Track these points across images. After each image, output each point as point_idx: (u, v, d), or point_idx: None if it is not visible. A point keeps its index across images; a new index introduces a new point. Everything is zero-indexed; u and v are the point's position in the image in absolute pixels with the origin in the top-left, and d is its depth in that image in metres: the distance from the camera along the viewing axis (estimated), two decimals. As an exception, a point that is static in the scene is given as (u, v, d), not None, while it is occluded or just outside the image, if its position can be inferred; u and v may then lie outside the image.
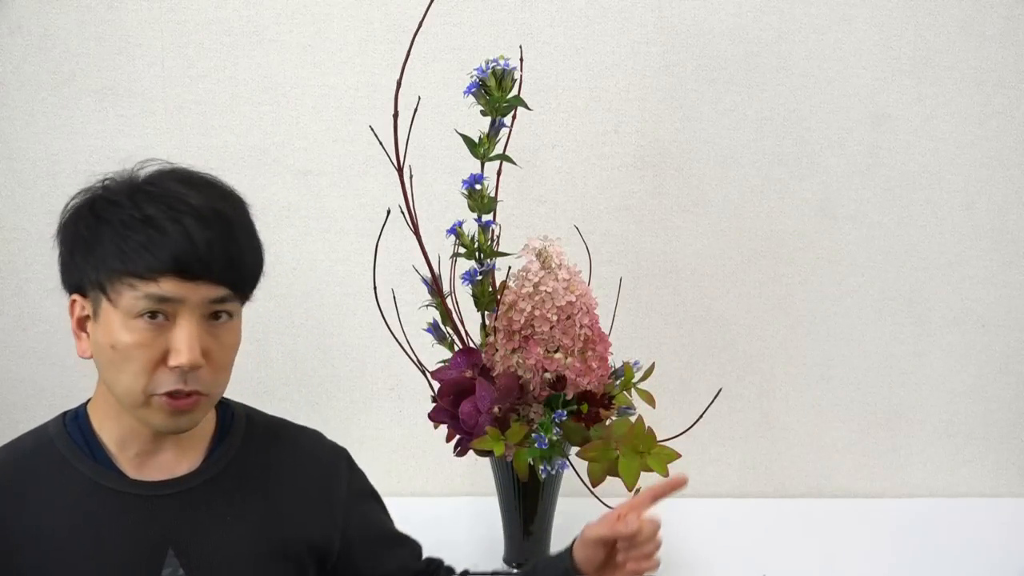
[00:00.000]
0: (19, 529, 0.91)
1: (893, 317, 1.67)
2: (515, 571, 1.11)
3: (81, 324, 0.92)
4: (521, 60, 1.19)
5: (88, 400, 0.99)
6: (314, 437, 1.09)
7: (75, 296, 0.92)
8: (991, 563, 1.48)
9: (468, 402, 1.17)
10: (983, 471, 1.72)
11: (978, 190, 1.64)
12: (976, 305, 1.67)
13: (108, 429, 0.95)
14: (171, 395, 0.89)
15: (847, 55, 1.59)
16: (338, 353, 1.66)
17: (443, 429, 1.22)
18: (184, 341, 0.87)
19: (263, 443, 1.03)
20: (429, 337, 1.28)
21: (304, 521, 1.01)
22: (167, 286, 0.86)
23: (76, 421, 0.97)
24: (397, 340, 1.25)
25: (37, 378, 1.65)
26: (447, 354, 1.26)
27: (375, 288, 1.24)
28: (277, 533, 0.99)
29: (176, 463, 0.97)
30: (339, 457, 1.08)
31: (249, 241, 0.93)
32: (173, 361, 0.87)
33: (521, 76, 1.19)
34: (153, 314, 0.87)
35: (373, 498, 1.11)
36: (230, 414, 1.04)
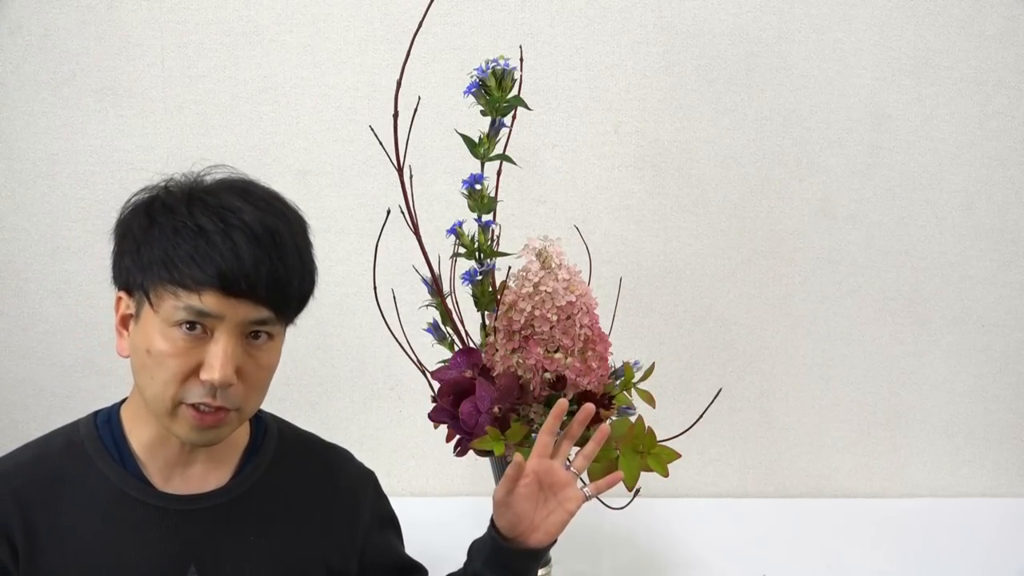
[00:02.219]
0: (44, 531, 0.90)
1: (893, 317, 1.67)
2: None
3: (124, 322, 0.91)
4: (521, 60, 1.19)
5: (123, 400, 0.98)
6: (344, 458, 1.08)
7: (121, 293, 0.91)
8: (991, 563, 1.48)
9: (468, 402, 1.17)
10: (983, 471, 1.72)
11: (978, 190, 1.64)
12: (976, 305, 1.67)
13: (138, 434, 0.94)
14: (197, 409, 0.88)
15: (847, 55, 1.59)
16: (338, 353, 1.66)
17: (443, 429, 1.22)
18: (218, 357, 0.86)
19: (293, 462, 1.02)
20: (429, 337, 1.28)
21: (326, 544, 1.01)
22: (209, 301, 0.85)
23: (108, 423, 0.96)
24: (397, 340, 1.25)
25: (37, 378, 1.65)
26: (447, 354, 1.26)
27: (375, 288, 1.24)
28: (299, 555, 0.99)
29: (205, 477, 0.96)
30: (366, 481, 1.08)
31: (299, 264, 0.91)
32: (204, 375, 0.86)
33: (521, 76, 1.19)
34: (191, 325, 0.86)
35: (393, 525, 1.11)
36: (263, 428, 1.03)
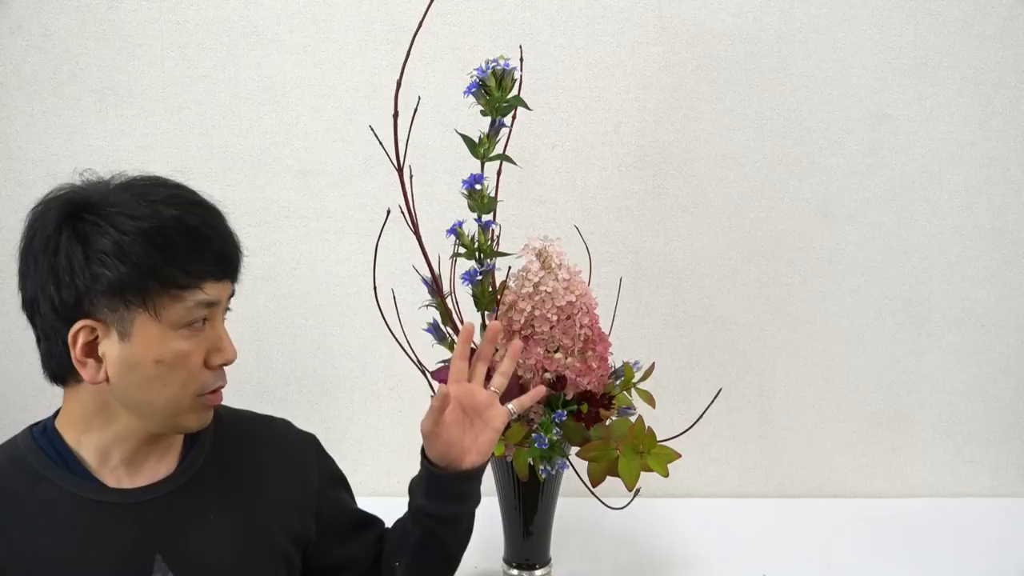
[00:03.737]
0: (3, 549, 0.89)
1: (893, 317, 1.67)
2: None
3: (89, 350, 0.87)
4: (521, 60, 1.19)
5: (55, 415, 0.96)
6: (283, 426, 1.09)
7: (82, 323, 0.86)
8: (991, 563, 1.48)
9: (468, 402, 1.17)
10: (983, 471, 1.72)
11: (978, 190, 1.64)
12: (976, 305, 1.67)
13: (89, 443, 0.93)
14: (211, 391, 0.92)
15: (847, 55, 1.59)
16: (338, 353, 1.66)
17: (443, 429, 1.22)
18: (226, 339, 0.91)
19: (234, 438, 1.03)
20: (429, 337, 1.28)
21: (283, 511, 1.02)
22: (211, 289, 0.88)
23: (46, 435, 0.95)
24: (397, 340, 1.25)
25: (37, 378, 1.64)
26: (447, 354, 1.26)
27: (375, 288, 1.24)
28: (260, 526, 0.99)
29: (154, 469, 0.96)
30: (309, 444, 1.09)
31: None
32: (219, 360, 0.91)
33: (521, 76, 1.19)
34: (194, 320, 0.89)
35: (342, 483, 1.12)
36: None
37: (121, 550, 0.92)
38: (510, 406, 1.06)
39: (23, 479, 0.92)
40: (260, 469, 1.02)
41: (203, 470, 0.98)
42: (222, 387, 0.93)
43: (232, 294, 0.93)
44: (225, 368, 0.93)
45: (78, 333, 0.87)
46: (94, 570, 0.91)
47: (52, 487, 0.92)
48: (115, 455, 0.94)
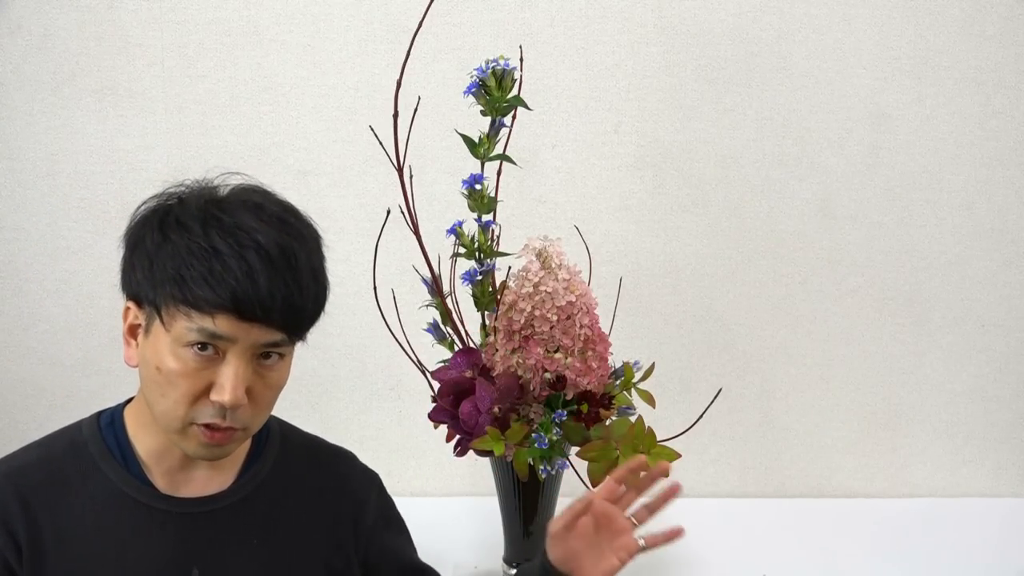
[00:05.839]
0: (48, 532, 0.90)
1: (893, 317, 1.67)
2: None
3: (132, 331, 0.90)
4: (521, 60, 1.19)
5: (127, 401, 0.97)
6: (347, 460, 1.08)
7: (130, 304, 0.90)
8: (991, 563, 1.48)
9: (468, 402, 1.17)
10: (983, 471, 1.72)
11: (978, 190, 1.64)
12: (976, 305, 1.67)
13: (143, 439, 0.94)
14: (207, 427, 0.87)
15: (847, 55, 1.59)
16: (338, 353, 1.66)
17: (443, 429, 1.22)
18: (229, 379, 0.85)
19: (296, 464, 1.02)
20: (429, 337, 1.28)
21: (329, 547, 1.01)
22: (222, 324, 0.84)
23: (112, 425, 0.95)
24: (397, 340, 1.25)
25: (37, 378, 1.65)
26: (447, 354, 1.26)
27: (375, 288, 1.24)
28: (301, 558, 0.99)
29: (208, 480, 0.96)
30: (370, 483, 1.08)
31: (313, 285, 0.92)
32: (215, 397, 0.86)
33: (521, 76, 1.19)
34: (203, 346, 0.85)
35: (398, 527, 1.10)
36: (266, 432, 1.03)
37: (160, 558, 0.92)
38: (640, 541, 1.00)
39: (79, 467, 0.93)
40: (314, 501, 1.01)
41: (258, 491, 0.98)
42: (224, 428, 0.88)
43: (275, 343, 0.88)
44: (245, 412, 0.88)
45: (126, 312, 0.91)
46: (130, 572, 0.91)
47: (105, 481, 0.92)
48: (165, 460, 0.94)
